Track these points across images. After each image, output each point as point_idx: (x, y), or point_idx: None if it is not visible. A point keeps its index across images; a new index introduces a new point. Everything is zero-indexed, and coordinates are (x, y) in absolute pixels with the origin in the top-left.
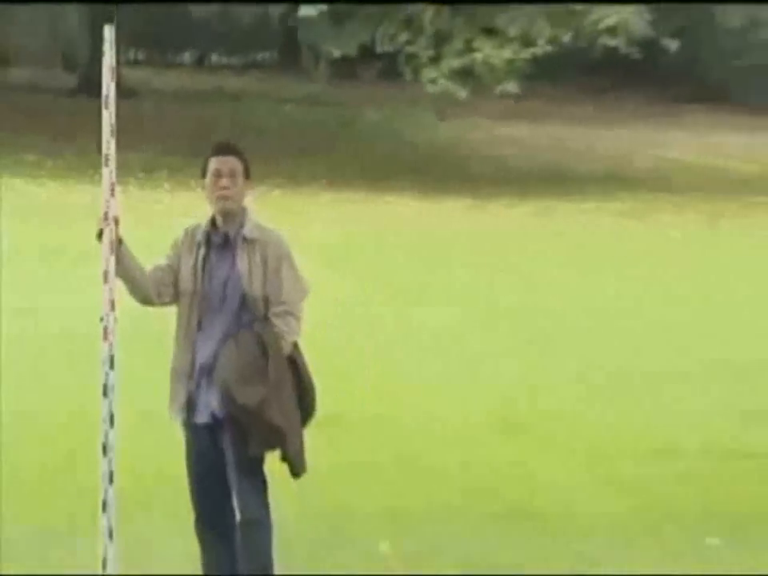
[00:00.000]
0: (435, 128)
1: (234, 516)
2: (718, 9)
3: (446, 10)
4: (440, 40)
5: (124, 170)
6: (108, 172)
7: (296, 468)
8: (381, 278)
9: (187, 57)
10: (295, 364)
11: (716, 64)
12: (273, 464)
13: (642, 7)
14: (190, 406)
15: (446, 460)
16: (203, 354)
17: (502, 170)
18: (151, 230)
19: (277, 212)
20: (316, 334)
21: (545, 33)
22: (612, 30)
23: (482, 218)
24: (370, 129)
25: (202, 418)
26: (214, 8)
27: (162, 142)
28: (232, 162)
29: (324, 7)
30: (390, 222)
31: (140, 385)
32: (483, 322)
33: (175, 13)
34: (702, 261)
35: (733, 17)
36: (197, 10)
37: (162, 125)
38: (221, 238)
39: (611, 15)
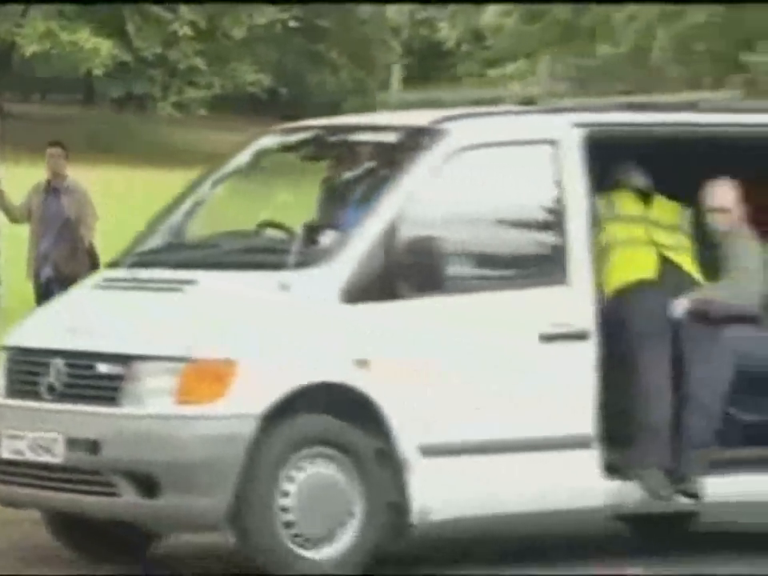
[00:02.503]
0: (168, 135)
1: None
2: (312, 76)
3: (167, 74)
4: (164, 89)
5: (5, 157)
6: None
7: None
8: (125, 209)
9: (36, 96)
10: (91, 252)
11: (302, 101)
12: None
13: (267, 73)
14: (37, 273)
15: None
16: (44, 249)
17: (200, 155)
18: (23, 185)
19: (77, 175)
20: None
21: (218, 83)
22: (253, 83)
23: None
24: (132, 135)
25: (44, 278)
26: (54, 70)
27: (27, 143)
28: (58, 151)
29: (110, 66)
30: (131, 184)
31: (14, 264)
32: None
33: (31, 71)
34: None
35: (328, 80)
36: (41, 71)
37: (25, 134)
38: (53, 189)
39: (252, 77)
